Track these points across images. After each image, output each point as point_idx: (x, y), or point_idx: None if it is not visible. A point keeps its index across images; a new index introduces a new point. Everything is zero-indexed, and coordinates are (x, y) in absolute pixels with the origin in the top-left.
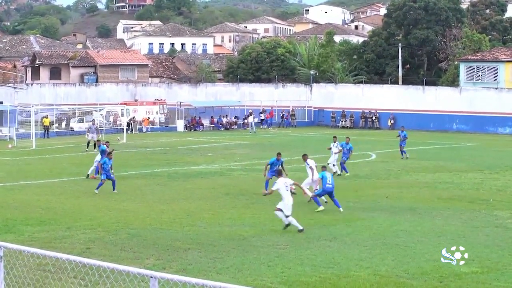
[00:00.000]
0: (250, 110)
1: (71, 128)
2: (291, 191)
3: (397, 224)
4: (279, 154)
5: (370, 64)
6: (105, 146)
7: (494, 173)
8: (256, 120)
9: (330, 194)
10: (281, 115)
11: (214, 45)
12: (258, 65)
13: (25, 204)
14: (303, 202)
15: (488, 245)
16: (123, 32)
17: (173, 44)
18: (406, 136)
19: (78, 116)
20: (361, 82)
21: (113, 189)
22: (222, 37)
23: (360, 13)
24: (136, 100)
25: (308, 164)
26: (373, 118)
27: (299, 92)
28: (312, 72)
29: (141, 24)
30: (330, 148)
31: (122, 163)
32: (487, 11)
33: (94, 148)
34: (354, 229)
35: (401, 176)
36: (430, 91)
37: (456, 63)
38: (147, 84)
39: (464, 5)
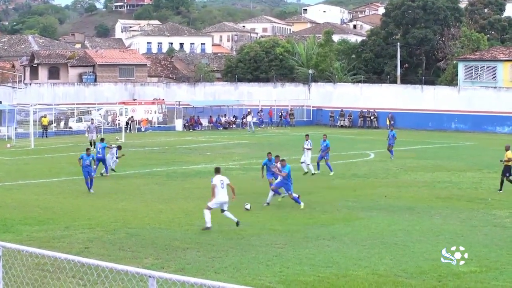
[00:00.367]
0: (249, 110)
1: (70, 127)
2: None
3: (395, 223)
4: (269, 153)
5: (369, 63)
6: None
7: (493, 172)
8: (254, 119)
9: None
10: (280, 114)
11: (212, 45)
12: (257, 64)
13: (23, 203)
14: (304, 202)
15: (486, 244)
16: (122, 31)
17: (171, 43)
18: (395, 136)
19: (76, 116)
20: (359, 82)
21: (89, 188)
22: (221, 37)
23: (359, 13)
24: (134, 100)
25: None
26: (372, 117)
27: (298, 92)
28: (310, 71)
29: (139, 24)
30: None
31: (121, 163)
32: (485, 10)
33: (94, 147)
34: (352, 229)
35: (400, 176)
36: (428, 90)
37: (454, 62)
38: (145, 83)
39: (463, 4)
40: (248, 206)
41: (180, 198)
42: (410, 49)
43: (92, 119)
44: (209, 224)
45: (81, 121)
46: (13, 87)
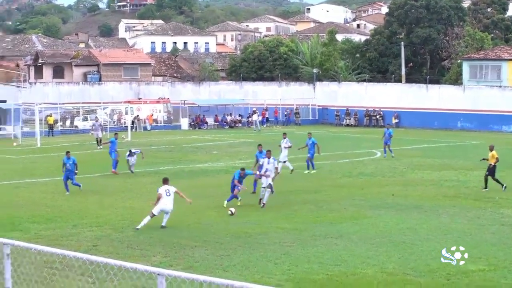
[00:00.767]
0: (254, 109)
1: (76, 126)
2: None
3: (403, 222)
4: (259, 145)
5: (373, 62)
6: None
7: (500, 171)
8: (260, 118)
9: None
10: (285, 113)
11: (216, 44)
12: (261, 63)
13: (31, 201)
14: (309, 201)
15: (494, 243)
16: (125, 31)
17: (175, 43)
18: (392, 134)
19: (82, 115)
20: (364, 81)
21: (67, 190)
22: (224, 36)
23: (362, 12)
24: (139, 99)
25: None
26: (377, 116)
27: (303, 91)
28: (315, 70)
29: (143, 23)
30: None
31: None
32: (489, 9)
33: (99, 144)
34: (360, 227)
35: (407, 174)
36: (433, 89)
37: (459, 61)
38: (150, 82)
39: (466, 4)
40: (232, 210)
41: (187, 197)
42: (414, 48)
43: (96, 116)
44: (139, 227)
45: (87, 120)
46: (18, 87)
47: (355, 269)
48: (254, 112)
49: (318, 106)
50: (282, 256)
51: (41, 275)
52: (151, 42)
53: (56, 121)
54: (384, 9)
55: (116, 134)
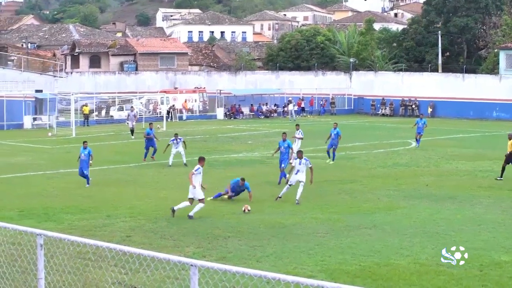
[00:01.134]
0: (290, 98)
1: (111, 116)
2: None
3: (437, 212)
4: (284, 133)
5: (410, 51)
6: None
7: None
8: (295, 108)
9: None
10: (320, 103)
11: (253, 33)
12: (298, 53)
13: (65, 192)
14: (344, 191)
15: None
16: (162, 20)
17: (212, 32)
18: (426, 124)
19: (118, 104)
20: (400, 70)
21: (87, 182)
22: (262, 25)
23: (400, 1)
24: (175, 88)
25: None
26: (413, 106)
27: (339, 80)
28: (351, 60)
29: (180, 13)
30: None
31: (162, 151)
32: None
33: (132, 134)
34: (394, 218)
35: (441, 164)
36: (469, 79)
37: (495, 51)
38: (186, 72)
39: None
40: (248, 208)
41: (221, 187)
42: (451, 37)
43: (132, 106)
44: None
45: (122, 110)
46: (54, 76)
47: (388, 260)
48: (290, 101)
49: (354, 95)
50: (315, 246)
51: (74, 266)
52: (188, 31)
53: (91, 111)
54: None
55: (151, 124)
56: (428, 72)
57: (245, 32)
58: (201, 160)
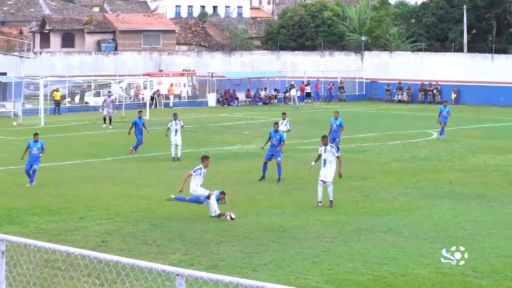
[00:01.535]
0: (292, 82)
1: (86, 103)
2: None
3: (462, 213)
4: (275, 124)
5: (430, 29)
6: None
7: None
8: (298, 93)
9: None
10: (327, 87)
11: (250, 8)
12: (302, 30)
13: (31, 190)
14: (354, 189)
15: None
16: None
17: (203, 7)
18: (450, 113)
19: (94, 89)
20: (420, 50)
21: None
22: None
23: None
24: (161, 71)
25: None
26: (434, 91)
27: (349, 62)
28: (363, 38)
29: None
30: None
31: (145, 143)
32: None
33: (110, 124)
34: (412, 220)
35: (467, 158)
36: (499, 60)
37: None
38: (173, 52)
39: None
40: (233, 216)
41: (213, 184)
42: (479, 12)
43: (110, 91)
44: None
45: (99, 96)
46: (21, 57)
47: (406, 269)
48: (292, 86)
49: (366, 79)
50: (321, 253)
51: (41, 276)
52: (176, 6)
53: (63, 97)
54: None
55: (140, 112)
56: (452, 52)
57: (241, 7)
58: (204, 159)
